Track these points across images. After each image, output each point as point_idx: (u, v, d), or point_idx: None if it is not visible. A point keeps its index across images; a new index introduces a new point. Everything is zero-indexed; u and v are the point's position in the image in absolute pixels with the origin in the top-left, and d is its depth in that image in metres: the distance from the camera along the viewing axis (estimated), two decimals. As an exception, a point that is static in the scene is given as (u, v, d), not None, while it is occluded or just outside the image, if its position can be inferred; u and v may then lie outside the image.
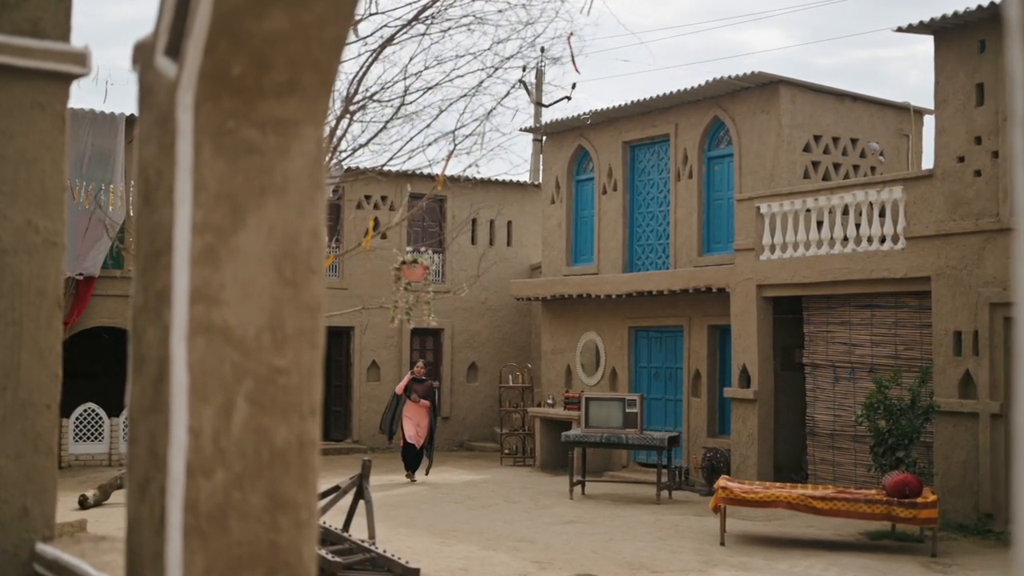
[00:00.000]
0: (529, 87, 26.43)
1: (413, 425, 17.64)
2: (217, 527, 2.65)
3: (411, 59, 13.31)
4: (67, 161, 4.38)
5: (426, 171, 15.99)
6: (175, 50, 2.84)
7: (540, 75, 25.66)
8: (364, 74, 12.77)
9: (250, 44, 2.74)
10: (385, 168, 14.49)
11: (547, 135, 21.93)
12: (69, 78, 4.35)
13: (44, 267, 4.28)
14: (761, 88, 17.37)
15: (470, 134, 13.55)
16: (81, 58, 4.30)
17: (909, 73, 60.34)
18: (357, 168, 16.13)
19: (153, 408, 2.77)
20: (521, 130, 22.96)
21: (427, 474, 18.11)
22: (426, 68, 13.38)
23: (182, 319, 2.70)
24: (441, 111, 13.52)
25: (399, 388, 18.02)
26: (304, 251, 2.80)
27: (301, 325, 2.76)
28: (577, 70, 14.44)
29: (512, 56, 13.70)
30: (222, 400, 2.67)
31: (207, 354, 2.68)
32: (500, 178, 23.36)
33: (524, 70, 15.13)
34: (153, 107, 2.94)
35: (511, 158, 53.29)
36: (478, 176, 16.91)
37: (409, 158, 13.71)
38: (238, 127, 2.77)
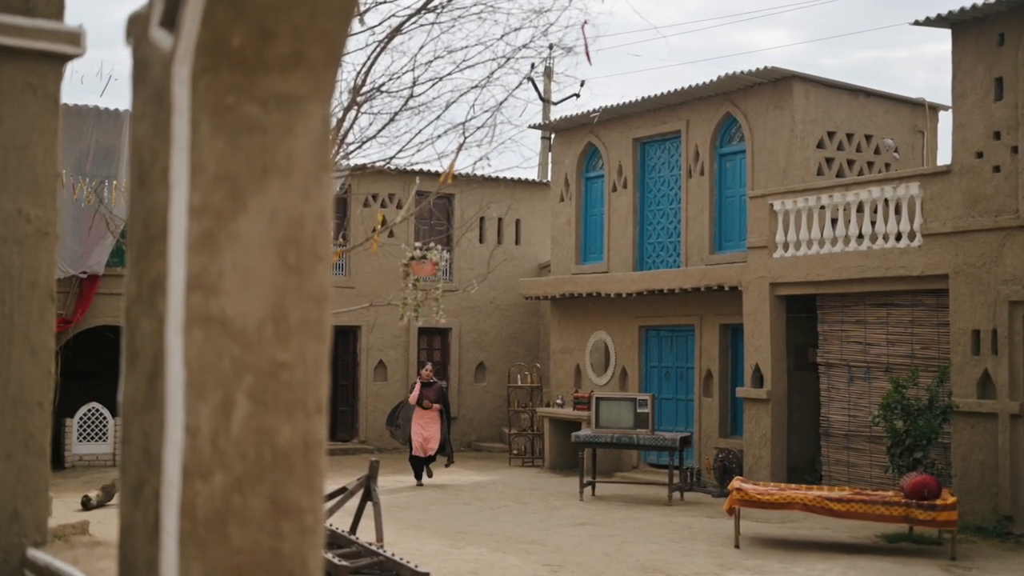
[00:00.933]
0: (538, 84, 26.22)
1: (421, 435, 17.25)
2: (215, 534, 2.45)
3: (420, 49, 13.13)
4: (60, 147, 4.18)
5: (434, 168, 15.80)
6: (171, 21, 2.63)
7: (549, 72, 25.43)
8: (372, 65, 12.58)
9: (251, 12, 2.53)
10: (392, 164, 14.29)
11: (556, 132, 21.72)
12: (63, 59, 4.13)
13: (36, 258, 4.08)
14: (774, 84, 17.14)
15: (481, 126, 13.35)
16: (75, 38, 4.08)
17: (916, 74, 60.09)
18: (363, 166, 15.94)
19: (147, 406, 2.57)
20: (530, 127, 22.74)
21: (447, 466, 17.95)
22: (436, 58, 13.18)
23: (178, 310, 2.49)
24: (451, 103, 13.33)
25: (412, 399, 17.71)
26: (309, 237, 2.59)
27: (306, 316, 2.55)
28: (590, 61, 14.21)
29: (524, 46, 13.50)
30: (221, 397, 2.47)
31: (205, 347, 2.47)
32: (509, 175, 23.13)
33: (533, 67, 14.92)
34: (148, 83, 2.74)
35: (522, 151, 52.55)
36: (487, 172, 16.70)
37: (418, 151, 13.54)
38: (238, 103, 2.56)
